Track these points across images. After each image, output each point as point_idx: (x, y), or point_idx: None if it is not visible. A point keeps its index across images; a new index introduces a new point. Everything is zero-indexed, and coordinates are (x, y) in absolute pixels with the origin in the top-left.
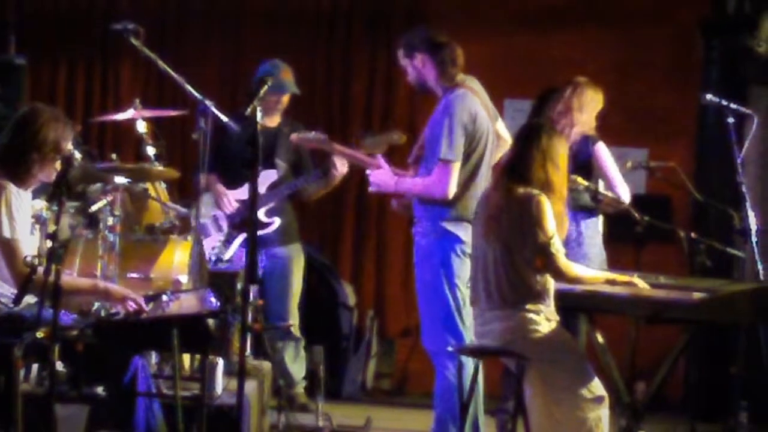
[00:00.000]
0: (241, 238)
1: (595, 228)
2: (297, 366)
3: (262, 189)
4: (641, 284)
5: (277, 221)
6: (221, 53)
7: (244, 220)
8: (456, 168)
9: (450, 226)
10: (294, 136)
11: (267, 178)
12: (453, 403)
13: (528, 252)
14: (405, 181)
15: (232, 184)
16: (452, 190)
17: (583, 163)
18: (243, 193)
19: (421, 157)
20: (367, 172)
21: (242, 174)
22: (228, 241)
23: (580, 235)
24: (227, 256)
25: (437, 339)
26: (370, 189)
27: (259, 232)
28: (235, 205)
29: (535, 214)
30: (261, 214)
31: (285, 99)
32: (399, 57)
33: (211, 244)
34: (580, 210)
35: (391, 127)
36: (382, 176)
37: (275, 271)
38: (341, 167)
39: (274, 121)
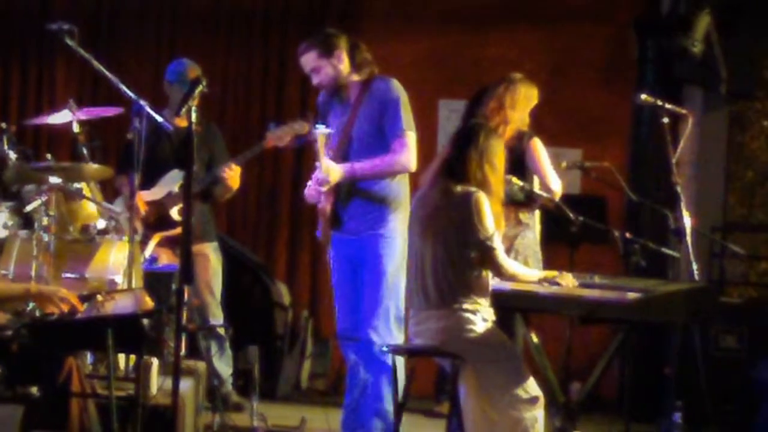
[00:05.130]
0: (156, 238)
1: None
2: (223, 363)
3: (173, 188)
4: (569, 281)
5: None
6: (156, 53)
7: (157, 220)
8: (415, 139)
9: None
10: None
11: (174, 177)
12: (384, 408)
13: (467, 250)
14: (363, 165)
15: (143, 185)
16: (415, 161)
17: (517, 160)
18: (152, 194)
19: (349, 152)
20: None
21: (150, 175)
22: (142, 242)
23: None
24: (144, 256)
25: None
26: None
27: (173, 231)
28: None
29: (475, 210)
30: (174, 212)
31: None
32: (311, 59)
33: None
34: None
35: (295, 118)
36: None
37: None
38: (228, 171)
39: (185, 120)
